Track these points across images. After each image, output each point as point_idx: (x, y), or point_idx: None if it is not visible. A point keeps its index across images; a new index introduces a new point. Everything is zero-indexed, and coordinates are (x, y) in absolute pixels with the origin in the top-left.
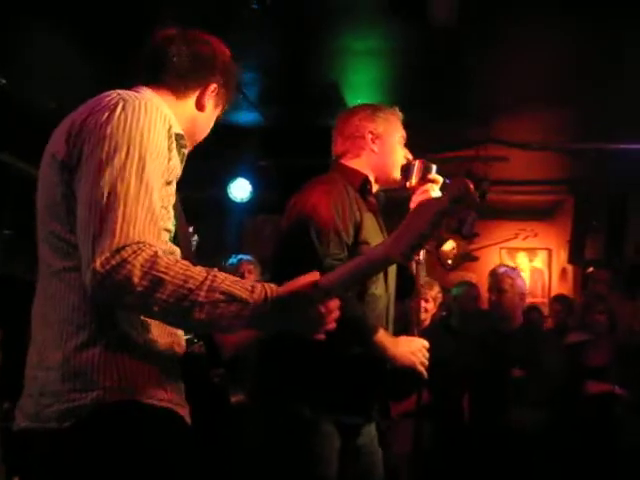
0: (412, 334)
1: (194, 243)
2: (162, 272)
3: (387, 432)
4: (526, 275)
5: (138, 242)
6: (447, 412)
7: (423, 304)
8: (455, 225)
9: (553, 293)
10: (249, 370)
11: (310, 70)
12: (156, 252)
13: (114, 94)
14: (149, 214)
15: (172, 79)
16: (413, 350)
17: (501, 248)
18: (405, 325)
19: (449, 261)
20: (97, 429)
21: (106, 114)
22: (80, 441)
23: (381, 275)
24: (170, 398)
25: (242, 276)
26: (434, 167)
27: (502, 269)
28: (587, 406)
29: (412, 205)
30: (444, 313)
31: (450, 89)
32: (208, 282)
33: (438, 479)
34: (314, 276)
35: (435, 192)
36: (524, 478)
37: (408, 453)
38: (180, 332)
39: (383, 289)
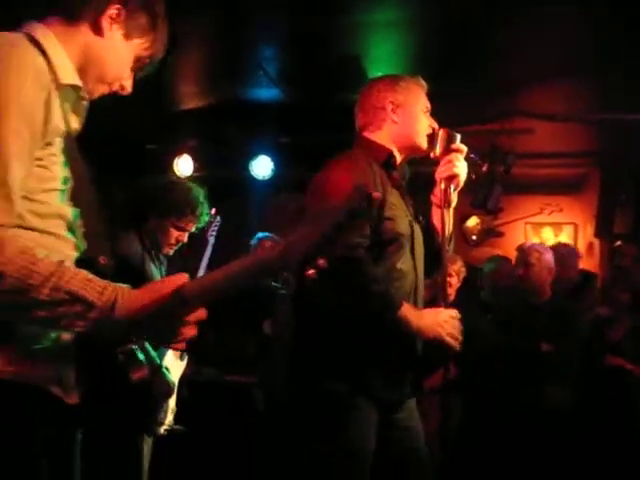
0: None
1: (217, 225)
2: (2, 264)
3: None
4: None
5: None
6: (475, 387)
7: (447, 279)
8: (479, 200)
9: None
10: (282, 353)
11: (330, 44)
12: (2, 239)
13: None
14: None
15: (62, 3)
16: (439, 321)
17: (526, 223)
18: (432, 300)
19: (473, 237)
20: None
21: None
22: None
23: (407, 250)
24: (39, 376)
25: None
26: (458, 136)
27: (529, 243)
28: (606, 381)
29: (437, 177)
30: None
31: (473, 61)
32: (54, 279)
33: (466, 455)
34: (180, 279)
35: (459, 162)
36: (550, 454)
37: (436, 429)
38: None
39: (410, 265)
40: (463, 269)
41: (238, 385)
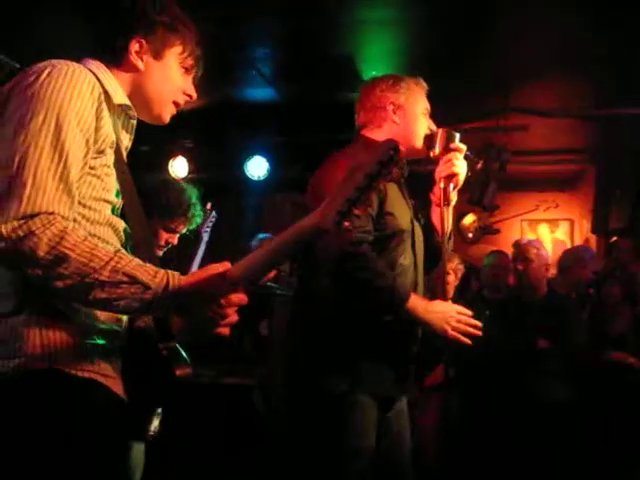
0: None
1: (212, 221)
2: (68, 249)
3: (415, 405)
4: (548, 247)
5: (48, 213)
6: (472, 384)
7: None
8: (475, 197)
9: None
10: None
11: (324, 44)
12: (65, 228)
13: (47, 62)
14: (61, 183)
15: (104, 49)
16: (446, 316)
17: (522, 220)
18: (431, 297)
19: (469, 234)
20: (18, 396)
21: (32, 78)
22: (1, 407)
23: (408, 246)
24: (95, 369)
25: None
26: (457, 135)
27: (526, 239)
28: (606, 375)
29: (437, 176)
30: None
31: (467, 58)
32: (112, 262)
33: (464, 452)
34: (224, 266)
35: (459, 160)
36: (547, 450)
37: (435, 426)
38: None
39: (411, 260)
40: (461, 267)
41: (235, 387)
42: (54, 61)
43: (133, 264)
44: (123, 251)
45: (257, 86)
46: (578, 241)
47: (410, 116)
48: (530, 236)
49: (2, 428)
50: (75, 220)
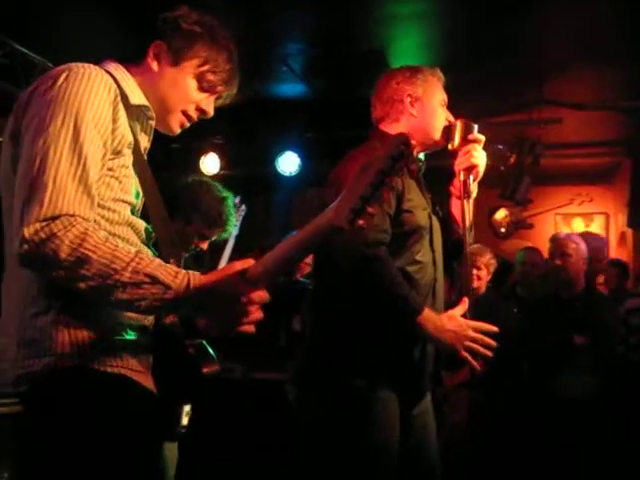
0: (464, 302)
1: (242, 214)
2: (90, 250)
3: (443, 402)
4: None
5: (69, 215)
6: (505, 380)
7: (475, 271)
8: (508, 192)
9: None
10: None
11: (355, 39)
12: (87, 229)
13: (65, 65)
14: (81, 184)
15: (128, 48)
16: (459, 335)
17: (556, 214)
18: (459, 292)
19: (502, 229)
20: (49, 394)
21: (50, 83)
22: (33, 405)
23: (426, 242)
24: (125, 364)
25: None
26: (475, 127)
27: (564, 234)
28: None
29: (456, 168)
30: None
31: (499, 51)
32: (133, 264)
33: (493, 449)
34: (246, 263)
35: (478, 152)
36: (578, 445)
37: (464, 422)
38: None
39: (429, 257)
40: (493, 261)
41: (268, 382)
42: (72, 64)
43: (154, 265)
44: (144, 251)
45: (288, 82)
46: (613, 235)
47: (428, 108)
48: (564, 230)
49: (34, 426)
50: (95, 221)
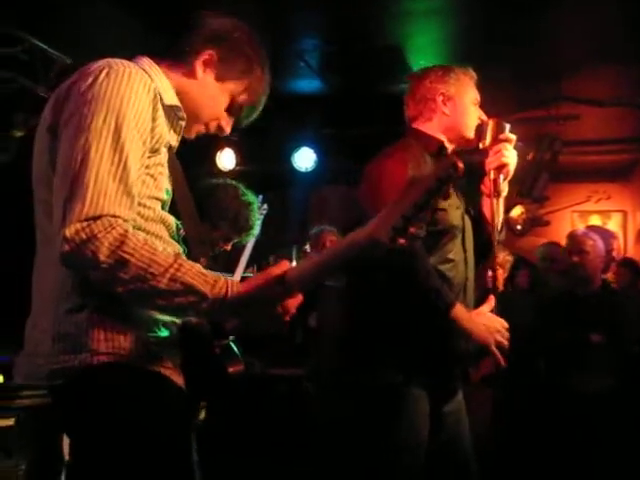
0: (491, 299)
1: (263, 213)
2: (129, 253)
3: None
4: None
5: (109, 215)
6: (522, 377)
7: (489, 272)
8: (525, 189)
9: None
10: (324, 346)
11: (372, 35)
12: (127, 231)
13: (103, 61)
14: (122, 184)
15: (168, 48)
16: (491, 329)
17: (573, 211)
18: (482, 292)
19: (518, 226)
20: (85, 390)
21: (90, 80)
22: (68, 400)
23: (459, 241)
24: (157, 361)
25: (324, 246)
26: (507, 126)
27: (582, 230)
28: None
29: (487, 167)
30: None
31: (517, 47)
32: (172, 270)
33: (514, 445)
34: (283, 267)
35: (509, 151)
36: (596, 443)
37: (488, 418)
38: None
39: (461, 256)
40: (508, 258)
41: (285, 378)
42: (111, 61)
43: (192, 272)
44: (183, 256)
45: (304, 77)
46: (631, 233)
47: (460, 107)
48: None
49: (69, 421)
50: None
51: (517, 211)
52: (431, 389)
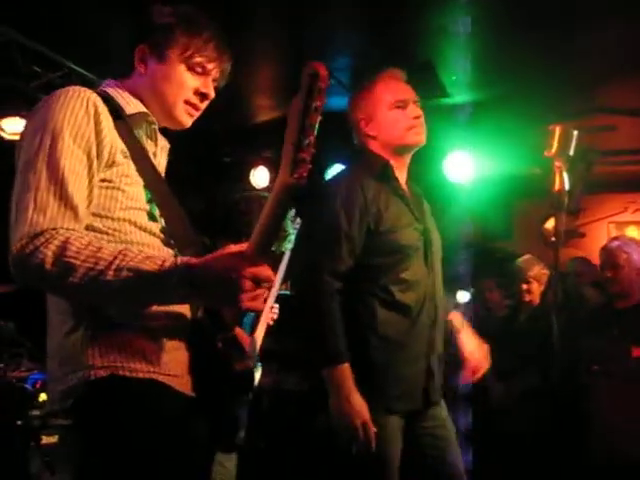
0: None
1: (296, 227)
2: (73, 257)
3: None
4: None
5: (50, 229)
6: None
7: (524, 286)
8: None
9: None
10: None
11: (402, 51)
12: (68, 238)
13: (62, 89)
14: (62, 200)
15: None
16: (355, 422)
17: (609, 223)
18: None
19: (552, 238)
20: (87, 406)
21: (40, 104)
22: (76, 419)
23: (415, 260)
24: (156, 369)
25: None
26: (575, 133)
27: (615, 243)
28: None
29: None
30: None
31: (551, 58)
32: (117, 261)
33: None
34: (240, 247)
35: None
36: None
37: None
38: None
39: (422, 274)
40: (544, 271)
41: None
42: (67, 87)
43: (138, 258)
44: (131, 248)
45: (336, 95)
46: None
47: (383, 122)
48: None
49: (77, 439)
50: (107, 234)
51: (552, 223)
52: (397, 411)
